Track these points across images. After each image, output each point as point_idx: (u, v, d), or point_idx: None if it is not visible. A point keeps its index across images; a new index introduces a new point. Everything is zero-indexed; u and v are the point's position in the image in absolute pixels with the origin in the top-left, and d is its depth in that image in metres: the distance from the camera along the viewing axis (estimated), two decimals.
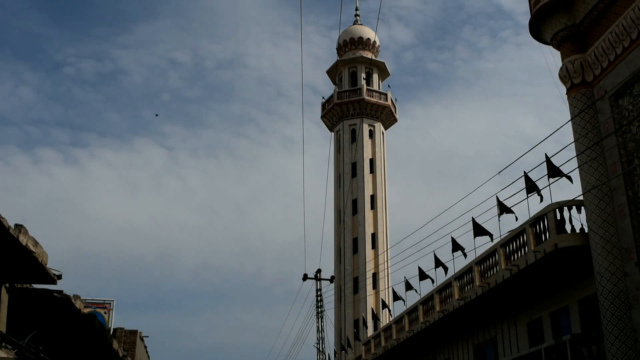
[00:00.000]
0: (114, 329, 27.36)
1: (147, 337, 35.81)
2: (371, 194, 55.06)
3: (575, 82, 21.14)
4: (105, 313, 30.00)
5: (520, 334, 25.62)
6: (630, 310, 18.02)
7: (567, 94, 21.62)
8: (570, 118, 20.73)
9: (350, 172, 56.07)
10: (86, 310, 13.52)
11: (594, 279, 19.28)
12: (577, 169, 19.97)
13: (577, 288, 22.08)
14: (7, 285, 10.70)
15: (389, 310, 42.97)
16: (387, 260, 49.69)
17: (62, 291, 11.74)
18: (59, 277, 10.78)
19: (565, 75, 21.47)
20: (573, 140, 20.44)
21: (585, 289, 21.25)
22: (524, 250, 22.82)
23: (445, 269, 29.80)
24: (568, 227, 21.14)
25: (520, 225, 23.26)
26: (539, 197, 21.71)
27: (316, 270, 58.79)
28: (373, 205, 54.84)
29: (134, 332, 26.56)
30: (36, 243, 9.28)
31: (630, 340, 17.83)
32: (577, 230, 20.97)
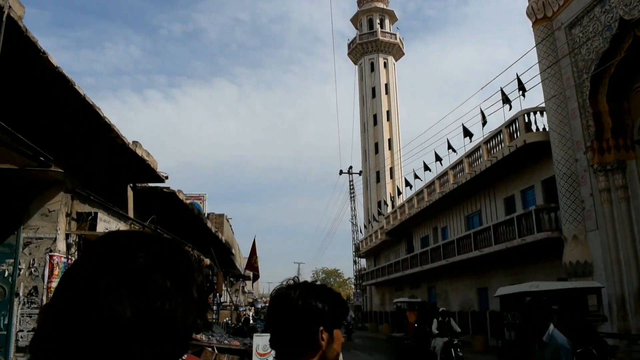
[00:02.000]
0: (207, 213, 28.08)
1: (231, 218, 36.89)
2: (387, 109, 54.29)
3: (539, 17, 20.35)
4: (200, 202, 30.82)
5: (499, 206, 25.70)
6: (579, 186, 17.91)
7: (532, 27, 20.83)
8: (534, 45, 20.20)
9: (370, 94, 55.17)
10: (187, 201, 13.87)
11: (552, 164, 19.10)
12: (540, 83, 19.51)
13: (541, 172, 21.96)
14: (131, 184, 11.08)
15: (401, 194, 43.32)
16: (400, 158, 49.69)
17: (169, 187, 12.11)
18: (166, 177, 11.07)
19: (530, 13, 20.65)
20: (537, 61, 19.93)
21: (547, 172, 21.11)
22: (501, 146, 22.70)
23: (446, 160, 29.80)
24: (534, 128, 20.95)
25: (498, 127, 23.05)
26: (509, 106, 21.42)
27: (348, 167, 59.31)
28: (388, 118, 54.17)
29: (221, 215, 27.21)
30: (149, 154, 9.50)
31: (579, 208, 17.82)
32: (541, 130, 20.73)
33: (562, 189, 18.27)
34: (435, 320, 15.13)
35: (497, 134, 23.14)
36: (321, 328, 1.51)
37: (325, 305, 1.54)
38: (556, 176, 18.72)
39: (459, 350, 13.81)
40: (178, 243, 0.75)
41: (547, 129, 19.79)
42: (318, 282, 1.70)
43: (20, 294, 7.01)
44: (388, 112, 54.70)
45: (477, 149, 25.36)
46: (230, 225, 33.83)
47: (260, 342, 5.80)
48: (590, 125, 17.36)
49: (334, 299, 1.59)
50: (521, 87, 20.46)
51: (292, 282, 1.61)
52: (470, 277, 28.22)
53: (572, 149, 18.20)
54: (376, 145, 53.85)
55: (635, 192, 16.51)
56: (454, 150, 27.79)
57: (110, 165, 9.49)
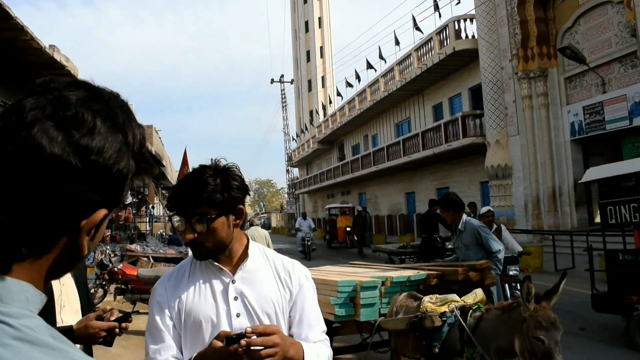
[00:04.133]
0: None
1: (161, 130, 35.76)
2: (319, 16, 52.88)
3: None
4: None
5: (427, 113, 26.29)
6: (503, 93, 18.51)
7: None
8: None
9: None
10: None
11: (480, 72, 19.53)
12: None
13: (468, 79, 22.45)
14: None
15: (332, 102, 43.34)
16: (332, 66, 49.25)
17: None
18: None
19: None
20: None
21: (474, 80, 21.62)
22: (431, 53, 22.85)
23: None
24: (463, 35, 21.14)
25: (429, 34, 23.08)
26: (439, 14, 21.42)
27: (280, 76, 58.30)
28: (320, 25, 52.87)
29: (149, 126, 26.26)
30: (67, 59, 8.94)
31: (502, 114, 18.53)
32: (470, 37, 20.95)
33: (488, 95, 18.85)
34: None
35: (427, 41, 23.23)
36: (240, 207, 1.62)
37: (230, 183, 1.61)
38: (482, 83, 19.22)
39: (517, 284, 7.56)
40: (121, 98, 0.72)
41: (476, 37, 20.04)
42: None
43: None
44: (320, 19, 53.32)
45: (407, 56, 25.45)
46: (160, 138, 32.97)
47: None
48: (517, 33, 17.69)
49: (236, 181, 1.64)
50: None
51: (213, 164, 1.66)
52: (399, 182, 29.29)
53: (499, 57, 18.60)
54: (308, 53, 52.87)
55: (555, 99, 17.30)
56: (384, 60, 27.88)
57: (24, 74, 8.89)
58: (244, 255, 1.68)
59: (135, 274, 9.25)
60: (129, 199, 15.42)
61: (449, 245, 10.26)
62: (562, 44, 16.63)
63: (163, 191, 27.86)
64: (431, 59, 22.70)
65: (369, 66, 29.86)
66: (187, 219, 1.58)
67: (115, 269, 9.28)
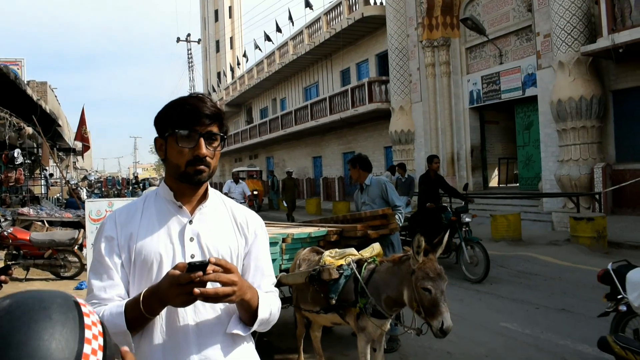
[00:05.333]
0: (27, 81, 25.10)
1: (56, 88, 33.47)
2: None
3: None
4: (18, 69, 27.35)
5: (335, 78, 26.46)
6: (408, 61, 18.93)
7: None
8: None
9: None
10: None
11: (387, 39, 19.82)
12: None
13: (376, 46, 22.77)
14: None
15: (240, 64, 42.51)
16: (241, 27, 48.11)
17: None
18: None
19: None
20: None
21: (381, 46, 21.96)
22: (340, 18, 22.88)
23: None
24: (372, 1, 21.32)
25: None
26: None
27: (187, 35, 56.16)
28: None
29: (44, 83, 24.45)
30: None
31: (407, 81, 18.97)
32: (379, 4, 21.18)
33: (394, 62, 19.21)
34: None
35: (337, 5, 23.22)
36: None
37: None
38: (389, 50, 19.53)
39: None
40: None
41: (384, 3, 20.24)
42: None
43: None
44: None
45: (317, 20, 25.35)
46: (56, 96, 30.84)
47: (93, 207, 5.56)
48: (423, 2, 18.04)
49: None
50: None
51: None
52: (306, 146, 29.47)
53: (405, 25, 18.95)
54: (216, 12, 51.21)
55: (456, 68, 17.96)
56: (292, 23, 27.58)
57: None
58: (204, 196, 1.61)
59: (28, 238, 8.70)
60: (20, 159, 14.29)
61: (467, 219, 8.14)
62: (465, 15, 17.21)
63: (60, 153, 26.24)
64: (340, 23, 22.74)
65: (278, 29, 29.42)
66: (202, 135, 1.51)
67: (5, 233, 8.65)
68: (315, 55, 26.61)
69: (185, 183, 1.56)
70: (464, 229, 8.13)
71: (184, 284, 1.30)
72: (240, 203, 9.45)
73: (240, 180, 13.05)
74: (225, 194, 10.17)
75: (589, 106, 12.42)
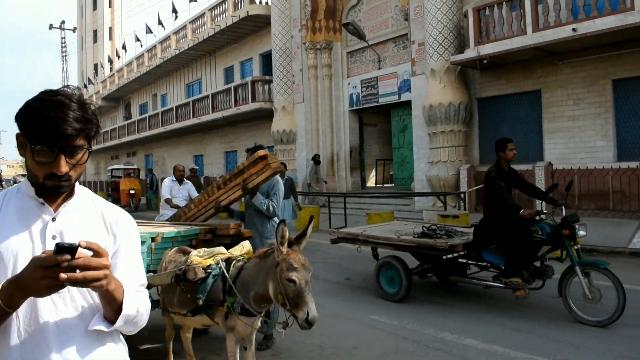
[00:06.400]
0: None
1: None
2: None
3: None
4: None
5: (219, 76, 26.05)
6: (292, 62, 19.10)
7: None
8: None
9: None
10: None
11: (271, 39, 19.84)
12: None
13: (260, 45, 22.74)
14: None
15: (120, 57, 40.56)
16: (122, 16, 45.91)
17: None
18: None
19: None
20: None
21: (265, 46, 21.96)
22: (225, 14, 22.62)
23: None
24: (257, 0, 21.27)
25: None
26: None
27: (61, 21, 52.57)
28: None
29: None
30: None
31: (290, 82, 19.12)
32: (264, 3, 21.18)
33: (277, 62, 19.28)
34: None
35: (222, 1, 22.92)
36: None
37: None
38: (273, 50, 19.58)
39: None
40: None
41: (270, 3, 20.27)
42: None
43: None
44: None
45: (201, 15, 24.87)
46: None
47: None
48: (307, 5, 18.32)
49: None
50: None
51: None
52: (188, 144, 28.72)
53: (290, 26, 19.10)
54: (94, 0, 48.48)
55: (337, 71, 18.41)
56: (176, 15, 26.82)
57: None
58: (70, 193, 1.50)
59: None
60: None
61: (582, 233, 5.53)
62: (347, 20, 17.69)
63: None
64: (225, 20, 22.44)
65: (160, 22, 28.43)
66: (62, 150, 1.37)
67: None
68: (198, 51, 26.05)
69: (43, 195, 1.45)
70: (575, 247, 5.43)
71: (49, 267, 1.19)
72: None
73: (186, 180, 8.97)
74: (167, 200, 8.13)
75: (457, 112, 13.28)
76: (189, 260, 3.72)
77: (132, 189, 23.84)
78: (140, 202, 25.11)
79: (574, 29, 10.60)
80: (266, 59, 22.26)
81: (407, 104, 15.80)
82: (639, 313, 5.45)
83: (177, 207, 7.59)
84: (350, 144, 18.19)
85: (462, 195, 12.83)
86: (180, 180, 8.64)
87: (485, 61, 12.24)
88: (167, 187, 8.48)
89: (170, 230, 4.67)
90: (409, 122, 15.82)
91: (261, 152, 4.94)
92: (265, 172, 4.92)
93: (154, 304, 4.75)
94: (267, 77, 20.61)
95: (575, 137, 11.93)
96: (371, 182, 19.32)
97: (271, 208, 5.01)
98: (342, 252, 10.18)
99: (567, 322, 5.34)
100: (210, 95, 23.24)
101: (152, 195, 23.56)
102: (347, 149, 18.19)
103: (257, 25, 21.70)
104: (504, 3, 12.10)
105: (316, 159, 16.04)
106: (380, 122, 19.17)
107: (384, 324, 5.57)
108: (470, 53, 12.50)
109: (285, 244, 3.03)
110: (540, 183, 11.30)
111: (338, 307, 6.30)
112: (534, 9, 11.44)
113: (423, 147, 14.46)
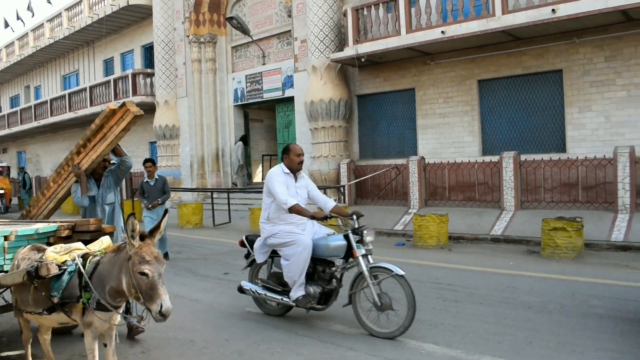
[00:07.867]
0: None
1: None
2: None
3: None
4: None
5: (97, 68, 24.73)
6: (174, 55, 18.55)
7: None
8: None
9: None
10: None
11: (153, 30, 19.15)
12: None
13: (142, 37, 21.89)
14: None
15: None
16: None
17: None
18: None
19: None
20: None
21: (147, 38, 21.16)
22: (104, 3, 21.53)
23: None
24: None
25: None
26: None
27: None
28: None
29: None
30: None
31: (172, 75, 18.55)
32: None
33: (159, 55, 18.64)
34: None
35: None
36: None
37: None
38: (155, 42, 18.89)
39: None
40: None
41: None
42: None
43: None
44: None
45: (78, 2, 23.46)
46: None
47: None
48: None
49: None
50: None
51: None
52: (64, 140, 27.02)
53: (172, 17, 18.52)
54: None
55: (222, 65, 18.15)
56: (51, 2, 25.12)
57: None
58: None
59: None
60: None
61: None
62: (231, 14, 17.49)
63: None
64: (104, 9, 21.33)
65: (30, 9, 26.42)
66: None
67: None
68: (75, 41, 24.58)
69: None
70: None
71: None
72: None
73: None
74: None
75: (337, 108, 13.60)
76: (43, 257, 3.55)
77: (2, 189, 22.09)
78: (12, 202, 23.32)
79: (442, 32, 11.24)
80: (148, 51, 21.46)
81: (291, 99, 15.93)
82: (503, 294, 5.89)
83: None
84: (235, 139, 18.02)
85: (341, 189, 13.17)
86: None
87: (363, 59, 12.63)
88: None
89: (26, 228, 4.39)
90: (293, 118, 15.97)
91: (112, 106, 4.87)
92: (126, 118, 4.78)
93: (6, 308, 4.42)
94: (149, 70, 19.89)
95: (445, 133, 12.66)
96: (257, 177, 19.29)
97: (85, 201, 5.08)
98: (223, 248, 10.09)
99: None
100: (88, 88, 22.03)
101: (25, 195, 21.99)
102: (232, 144, 18.00)
103: (139, 15, 20.86)
104: (381, 4, 12.56)
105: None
106: (266, 118, 19.18)
107: (258, 315, 5.59)
108: (349, 51, 12.84)
109: (137, 237, 3.01)
110: (414, 176, 11.88)
111: (213, 301, 6.27)
112: (408, 11, 11.99)
113: (306, 142, 14.67)
